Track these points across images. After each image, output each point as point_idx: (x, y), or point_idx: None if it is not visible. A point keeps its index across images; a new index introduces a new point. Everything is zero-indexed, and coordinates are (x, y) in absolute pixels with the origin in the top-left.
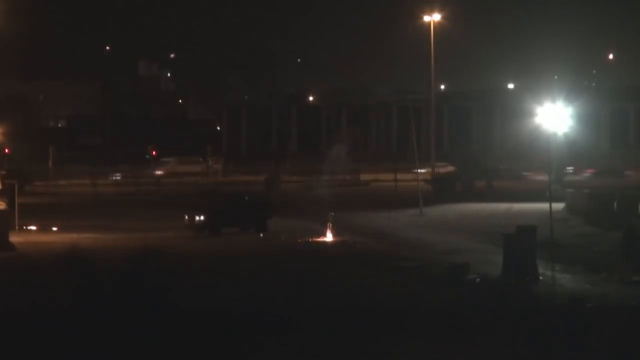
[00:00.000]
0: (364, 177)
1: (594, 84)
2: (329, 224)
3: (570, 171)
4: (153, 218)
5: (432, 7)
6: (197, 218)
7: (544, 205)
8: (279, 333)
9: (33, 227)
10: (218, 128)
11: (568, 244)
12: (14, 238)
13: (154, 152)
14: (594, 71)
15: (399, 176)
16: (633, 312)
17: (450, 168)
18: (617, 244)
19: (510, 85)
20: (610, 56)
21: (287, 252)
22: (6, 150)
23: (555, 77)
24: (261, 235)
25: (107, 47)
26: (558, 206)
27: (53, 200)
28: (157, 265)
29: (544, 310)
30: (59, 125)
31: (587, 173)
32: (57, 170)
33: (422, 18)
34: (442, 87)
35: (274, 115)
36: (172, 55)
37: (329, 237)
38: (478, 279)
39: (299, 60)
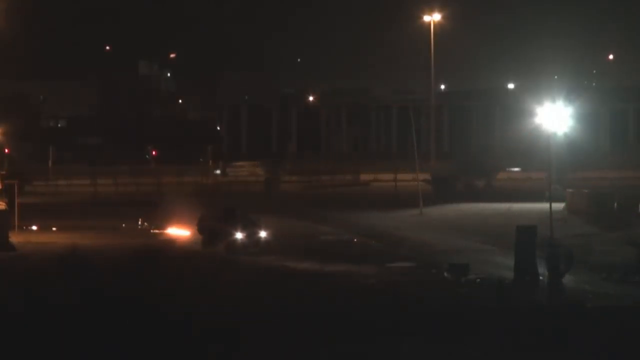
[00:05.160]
0: (364, 177)
1: (594, 84)
2: None
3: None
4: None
5: (432, 7)
6: None
7: (544, 205)
8: (275, 333)
9: (34, 227)
10: (218, 128)
11: (568, 244)
12: (14, 238)
13: (154, 152)
14: (594, 71)
15: (399, 176)
16: (633, 312)
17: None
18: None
19: (510, 85)
20: (610, 56)
21: (287, 252)
22: (6, 150)
23: (555, 77)
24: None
25: (107, 47)
26: (558, 206)
27: (53, 200)
28: (155, 265)
29: (544, 310)
30: (59, 125)
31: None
32: (57, 170)
33: (422, 18)
34: (442, 87)
35: (274, 115)
36: (172, 55)
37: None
38: (478, 279)
39: (299, 60)
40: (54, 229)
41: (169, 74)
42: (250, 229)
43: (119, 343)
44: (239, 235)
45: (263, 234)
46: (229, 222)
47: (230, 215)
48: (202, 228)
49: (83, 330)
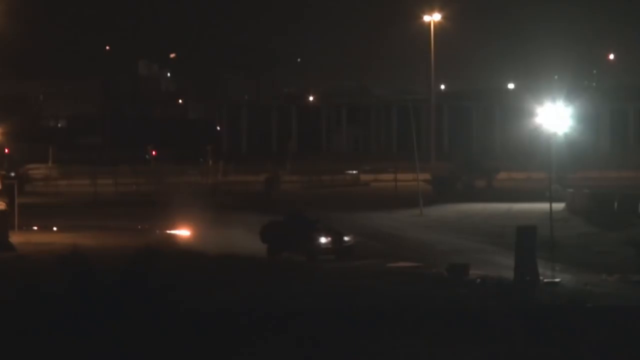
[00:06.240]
0: (364, 177)
1: (594, 84)
2: None
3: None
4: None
5: (432, 7)
6: None
7: (544, 205)
8: (274, 333)
9: (34, 227)
10: (218, 128)
11: (568, 244)
12: (14, 238)
13: (154, 152)
14: (594, 71)
15: (399, 176)
16: (633, 312)
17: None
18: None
19: (510, 85)
20: (611, 56)
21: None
22: (6, 150)
23: (556, 77)
24: None
25: (107, 47)
26: (558, 206)
27: (53, 200)
28: (157, 265)
29: (544, 311)
30: (59, 125)
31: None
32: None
33: (422, 18)
34: (442, 87)
35: (274, 115)
36: (172, 55)
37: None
38: (478, 279)
39: (299, 60)
40: (54, 229)
41: (169, 74)
42: (333, 234)
43: (119, 343)
44: (322, 241)
45: (347, 238)
46: (304, 228)
47: (305, 222)
48: (268, 235)
49: (83, 330)
